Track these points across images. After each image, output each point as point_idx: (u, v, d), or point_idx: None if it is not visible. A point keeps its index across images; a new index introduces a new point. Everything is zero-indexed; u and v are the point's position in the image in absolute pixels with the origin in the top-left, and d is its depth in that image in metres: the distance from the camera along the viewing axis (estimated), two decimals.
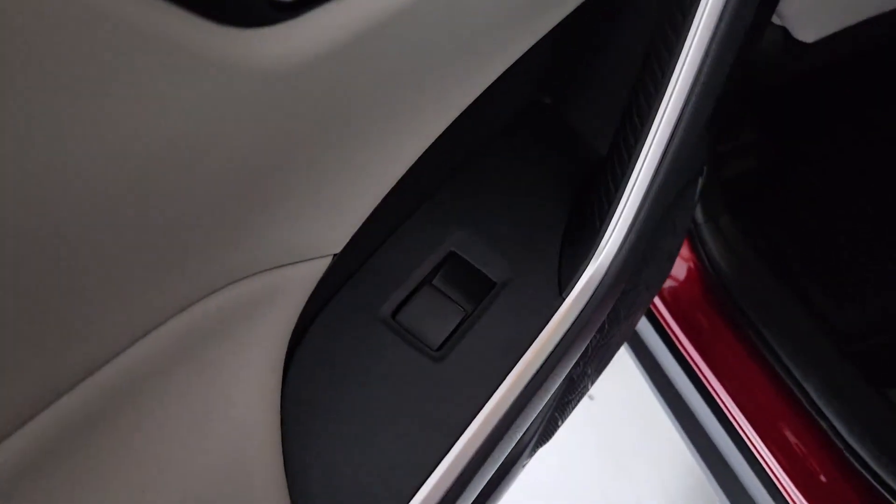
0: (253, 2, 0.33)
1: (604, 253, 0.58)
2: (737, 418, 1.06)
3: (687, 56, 0.52)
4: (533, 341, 0.57)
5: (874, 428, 0.96)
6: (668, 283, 1.18)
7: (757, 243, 1.12)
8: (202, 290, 0.44)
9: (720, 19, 0.51)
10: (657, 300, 1.16)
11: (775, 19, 1.06)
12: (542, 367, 0.57)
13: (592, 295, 0.59)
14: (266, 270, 0.48)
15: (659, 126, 0.55)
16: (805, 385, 1.00)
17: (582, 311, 0.59)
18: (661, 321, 1.14)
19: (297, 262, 0.50)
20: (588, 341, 0.63)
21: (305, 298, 0.52)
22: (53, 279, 0.33)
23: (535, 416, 0.61)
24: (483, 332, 0.59)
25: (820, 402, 0.98)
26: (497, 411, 0.55)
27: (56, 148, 0.29)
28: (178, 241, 0.39)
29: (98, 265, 0.35)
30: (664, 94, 0.54)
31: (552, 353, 0.58)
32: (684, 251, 1.16)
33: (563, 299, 0.59)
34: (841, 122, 1.35)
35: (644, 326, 1.18)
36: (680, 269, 1.18)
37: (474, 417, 0.55)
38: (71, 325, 0.36)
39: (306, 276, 0.52)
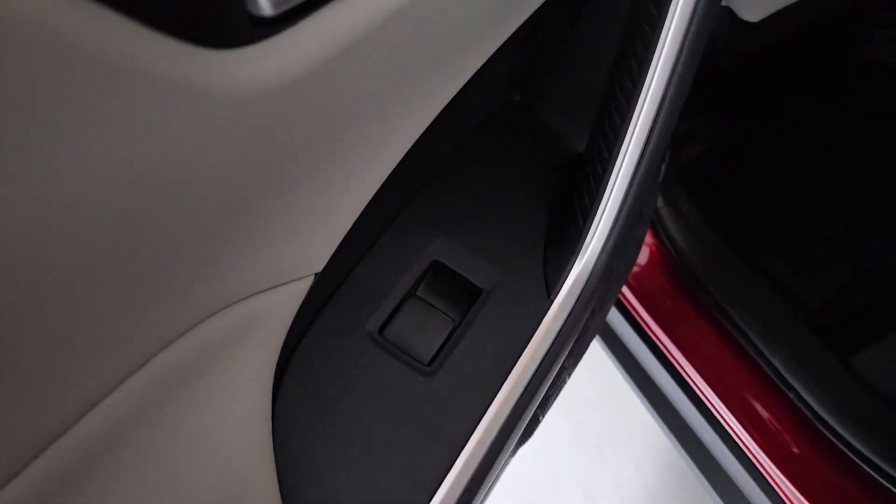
0: (232, 20, 0.31)
1: (589, 250, 0.58)
2: (708, 397, 1.08)
3: (663, 49, 0.52)
4: (525, 347, 0.56)
5: (841, 397, 0.98)
6: (633, 269, 1.19)
7: (717, 224, 1.13)
8: (185, 323, 0.42)
9: (694, 10, 0.51)
10: (623, 286, 1.17)
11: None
12: (536, 372, 0.56)
13: (581, 293, 0.58)
14: (248, 297, 0.46)
15: (638, 121, 0.54)
16: (772, 360, 1.02)
17: (571, 311, 0.58)
18: (628, 306, 1.15)
19: (279, 285, 0.49)
20: (575, 340, 0.62)
21: (290, 321, 0.51)
22: (38, 318, 0.31)
23: (529, 420, 0.60)
24: (474, 341, 0.57)
25: (788, 375, 1.01)
26: (496, 422, 0.54)
27: (31, 183, 0.27)
28: (159, 275, 0.37)
29: (80, 305, 0.33)
30: (642, 89, 0.54)
31: (545, 356, 0.57)
32: (647, 236, 1.17)
33: (552, 301, 0.58)
34: (789, 100, 1.38)
35: (612, 313, 1.18)
36: (643, 254, 1.19)
37: (473, 431, 0.54)
38: (56, 369, 0.34)
39: (289, 299, 0.50)
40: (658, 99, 0.54)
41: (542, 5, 0.56)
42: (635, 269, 1.18)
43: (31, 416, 0.34)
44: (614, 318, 1.18)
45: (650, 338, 1.13)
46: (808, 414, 1.00)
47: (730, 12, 1.09)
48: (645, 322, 1.14)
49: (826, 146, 1.33)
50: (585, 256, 0.58)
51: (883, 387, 1.01)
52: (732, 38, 1.11)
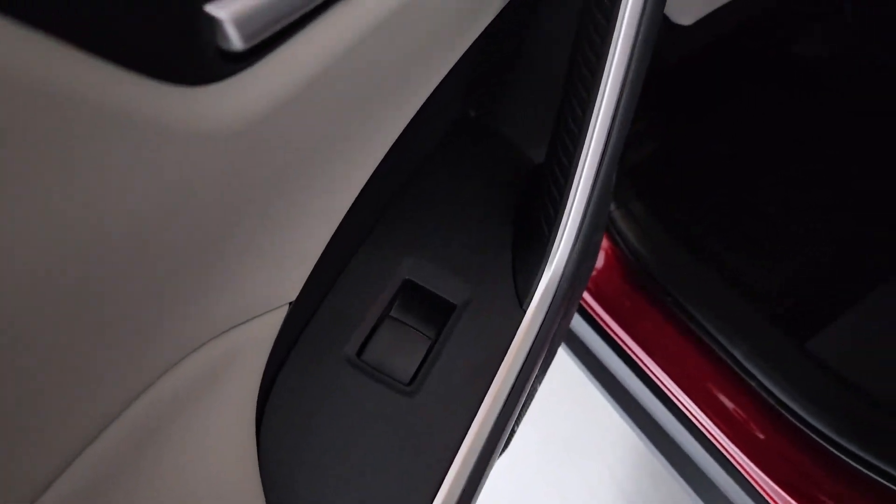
0: (203, 56, 0.31)
1: (556, 258, 0.59)
2: (674, 392, 1.10)
3: (614, 57, 0.53)
4: (502, 359, 0.57)
5: (801, 381, 1.02)
6: (592, 273, 1.21)
7: (668, 222, 1.16)
8: (164, 364, 0.41)
9: (641, 18, 0.53)
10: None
11: None
12: (515, 382, 0.57)
13: (552, 301, 0.59)
14: (224, 332, 0.46)
15: (595, 128, 0.55)
16: (732, 350, 1.05)
17: (544, 320, 0.59)
18: (590, 310, 1.17)
19: (254, 318, 0.48)
20: (548, 348, 0.63)
21: (267, 352, 0.50)
22: (12, 365, 0.30)
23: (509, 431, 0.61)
24: (452, 357, 0.57)
25: (748, 365, 1.03)
26: (480, 436, 0.54)
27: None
28: (135, 317, 0.36)
29: (55, 353, 0.32)
30: (597, 97, 0.55)
31: (522, 366, 0.57)
32: (602, 240, 1.19)
33: (525, 311, 0.59)
34: (725, 98, 1.43)
35: (574, 318, 1.20)
36: (600, 257, 1.21)
37: (458, 447, 0.53)
38: (35, 422, 0.33)
39: (265, 330, 0.49)
40: (613, 105, 0.55)
41: (494, 20, 0.57)
42: (593, 273, 1.20)
43: (14, 475, 0.33)
44: (576, 322, 1.20)
45: (613, 339, 1.15)
46: (771, 401, 1.03)
47: (665, 18, 1.13)
48: (607, 324, 1.16)
49: (763, 140, 1.38)
50: (553, 264, 0.58)
51: (839, 368, 1.05)
52: (668, 42, 1.15)
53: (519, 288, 0.60)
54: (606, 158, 0.57)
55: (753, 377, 1.03)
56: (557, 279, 0.59)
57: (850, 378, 1.04)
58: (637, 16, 0.53)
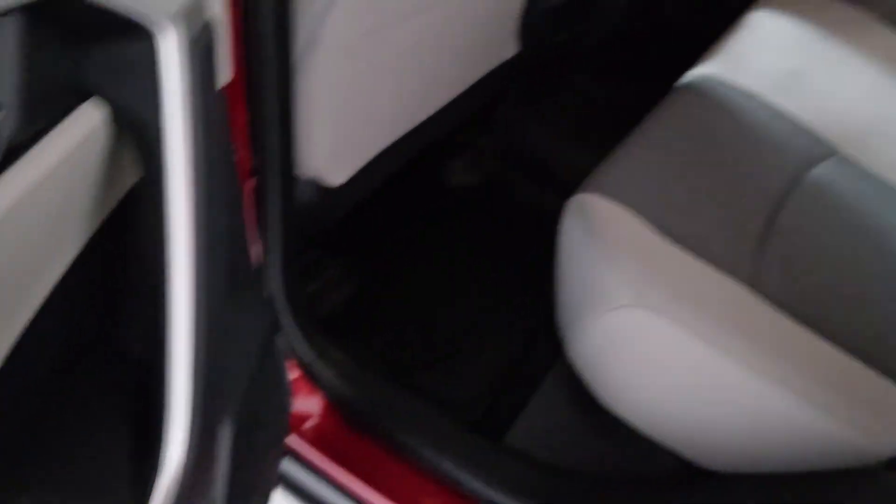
0: None
1: (172, 457, 0.62)
2: None
3: (178, 260, 0.59)
4: None
5: (505, 477, 1.11)
6: (310, 424, 1.24)
7: (366, 362, 1.24)
8: None
9: (197, 243, 0.59)
10: (304, 444, 1.21)
11: (301, 175, 1.19)
12: None
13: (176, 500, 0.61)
14: None
15: (175, 327, 0.60)
16: (442, 464, 1.12)
17: None
18: (314, 464, 1.19)
19: None
20: None
21: None
22: None
23: None
24: None
25: (458, 474, 1.11)
26: None
27: None
28: None
29: None
30: (170, 311, 0.60)
31: None
32: (311, 390, 1.24)
33: None
34: (398, 236, 1.59)
35: (298, 472, 1.21)
36: (315, 407, 1.25)
37: None
38: None
39: None
40: (188, 297, 0.60)
41: (83, 250, 0.61)
42: (312, 423, 1.24)
43: None
44: (302, 476, 1.21)
45: (340, 485, 1.18)
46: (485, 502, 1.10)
47: (314, 183, 1.23)
48: (332, 473, 1.19)
49: (440, 268, 1.55)
50: (169, 465, 0.61)
51: (535, 453, 1.17)
52: (326, 203, 1.26)
53: (138, 500, 0.62)
54: (197, 353, 0.62)
55: (463, 483, 1.11)
56: (178, 477, 0.61)
57: (547, 462, 1.15)
58: (193, 242, 0.59)
